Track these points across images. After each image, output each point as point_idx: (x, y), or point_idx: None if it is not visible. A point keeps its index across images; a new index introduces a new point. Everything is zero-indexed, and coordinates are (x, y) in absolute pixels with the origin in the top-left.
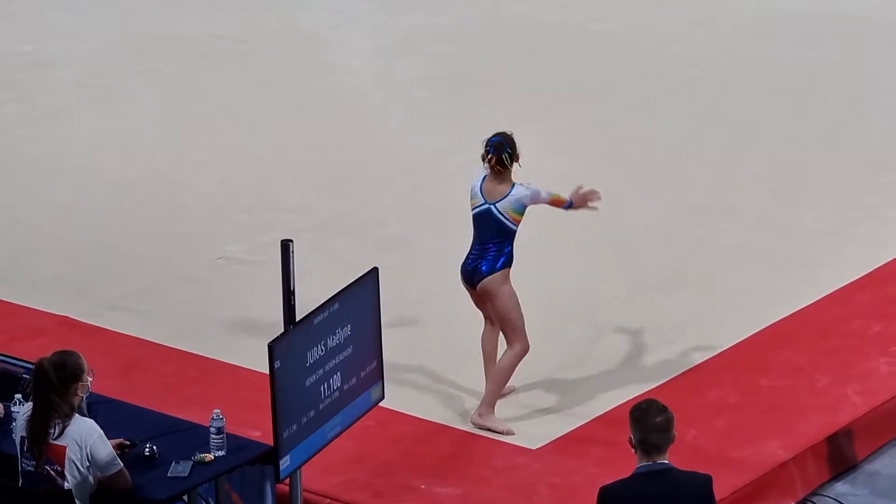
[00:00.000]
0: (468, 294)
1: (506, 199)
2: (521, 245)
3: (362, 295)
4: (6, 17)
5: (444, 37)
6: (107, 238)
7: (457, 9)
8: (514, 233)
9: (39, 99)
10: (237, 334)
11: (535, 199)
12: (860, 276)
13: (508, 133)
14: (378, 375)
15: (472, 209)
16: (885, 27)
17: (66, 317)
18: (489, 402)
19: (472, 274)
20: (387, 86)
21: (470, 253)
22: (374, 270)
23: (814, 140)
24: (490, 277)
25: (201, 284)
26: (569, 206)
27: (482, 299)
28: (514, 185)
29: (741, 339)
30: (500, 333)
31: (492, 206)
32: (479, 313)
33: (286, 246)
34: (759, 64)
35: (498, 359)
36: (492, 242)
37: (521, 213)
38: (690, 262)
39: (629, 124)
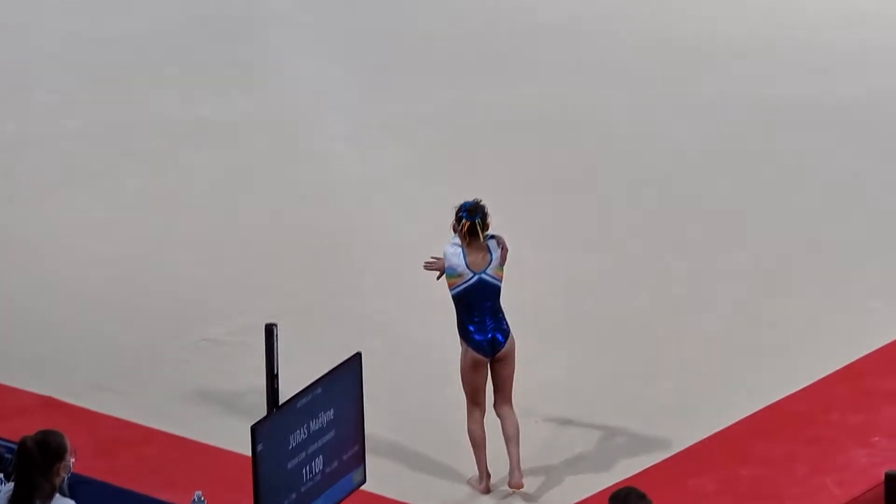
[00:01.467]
0: (477, 367)
1: (490, 265)
2: None
3: (345, 380)
4: None
5: (427, 124)
6: (90, 318)
7: (440, 96)
8: (499, 290)
9: (23, 179)
10: (220, 416)
11: (503, 248)
12: (839, 367)
13: (479, 201)
14: (360, 459)
15: (461, 285)
16: (866, 117)
17: (50, 397)
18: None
19: (495, 344)
20: (371, 171)
21: (483, 326)
22: (358, 356)
23: (794, 231)
24: (510, 340)
25: (184, 366)
26: None
27: (500, 364)
28: (487, 247)
29: (720, 429)
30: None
31: (482, 275)
32: (463, 400)
33: (270, 330)
34: (741, 154)
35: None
36: (498, 307)
37: (502, 268)
38: (670, 352)
39: (610, 214)
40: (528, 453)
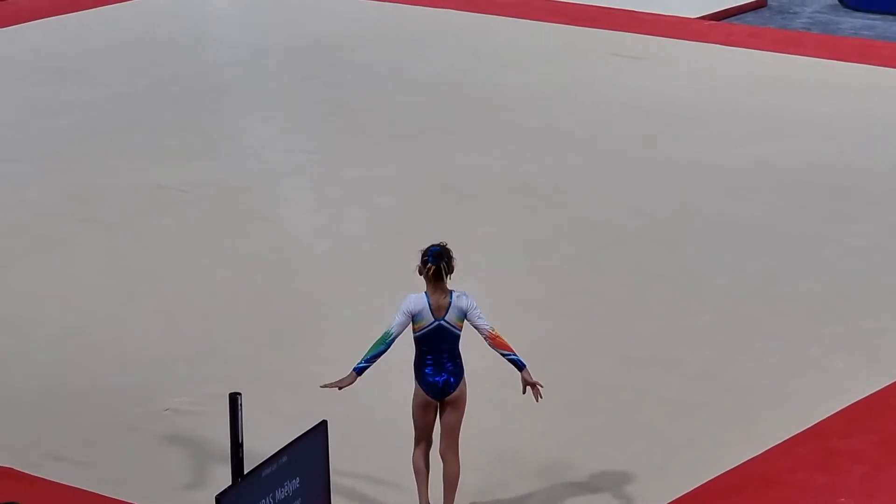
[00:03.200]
0: (426, 408)
1: (449, 313)
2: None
3: (311, 448)
4: None
5: (387, 189)
6: (50, 387)
7: (400, 162)
8: (458, 337)
9: None
10: (184, 486)
11: (471, 307)
12: (804, 428)
13: (444, 245)
14: None
15: (423, 329)
16: (822, 181)
17: (9, 468)
18: None
19: (446, 387)
20: (330, 237)
21: (438, 369)
22: (323, 423)
23: (755, 293)
24: (462, 385)
25: (146, 435)
26: (515, 361)
27: (450, 408)
28: (450, 293)
29: (686, 491)
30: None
31: (441, 322)
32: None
33: (234, 399)
34: (701, 217)
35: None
36: (456, 353)
37: (463, 320)
38: (634, 415)
39: (573, 278)
40: None
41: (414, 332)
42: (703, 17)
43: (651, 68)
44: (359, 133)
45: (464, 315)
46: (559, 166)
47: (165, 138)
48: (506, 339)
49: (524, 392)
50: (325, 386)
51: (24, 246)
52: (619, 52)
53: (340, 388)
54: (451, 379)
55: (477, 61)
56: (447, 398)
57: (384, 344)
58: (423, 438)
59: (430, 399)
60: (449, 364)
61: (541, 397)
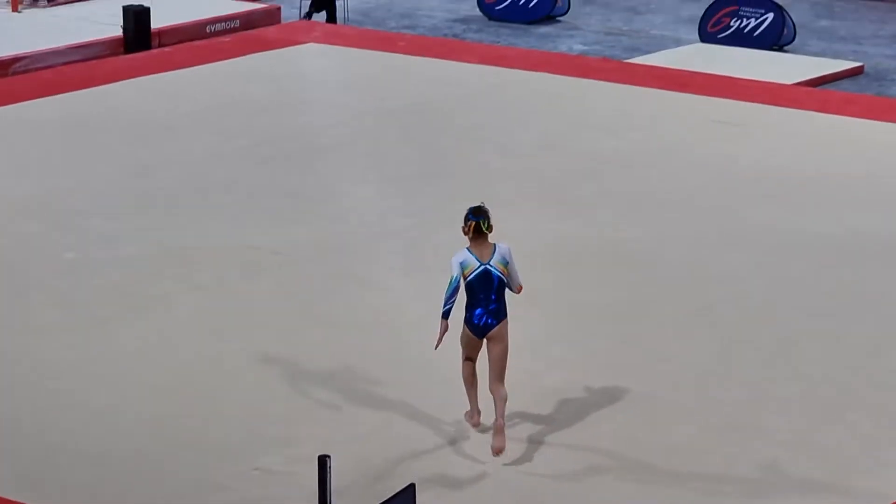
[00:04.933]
0: (471, 343)
1: (494, 258)
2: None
3: None
4: (52, 225)
5: None
6: (141, 444)
7: (497, 226)
8: (506, 284)
9: (79, 305)
10: None
11: (510, 258)
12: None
13: (482, 206)
14: None
15: (472, 273)
16: None
17: None
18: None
19: (485, 327)
20: (424, 301)
21: (481, 311)
22: (411, 487)
23: (850, 362)
24: (502, 325)
25: (235, 495)
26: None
27: (492, 343)
28: (494, 245)
29: None
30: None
31: (487, 266)
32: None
33: (323, 462)
34: (794, 285)
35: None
36: (496, 296)
37: (506, 266)
38: (724, 482)
39: (661, 344)
40: None
41: (464, 277)
42: (799, 84)
43: (746, 135)
44: (455, 198)
45: (506, 261)
46: (653, 232)
47: (260, 199)
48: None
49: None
50: (437, 347)
51: (118, 304)
52: (714, 118)
53: (443, 337)
54: (491, 320)
55: (573, 126)
56: (489, 335)
57: (452, 286)
58: (469, 357)
59: (473, 337)
60: (492, 305)
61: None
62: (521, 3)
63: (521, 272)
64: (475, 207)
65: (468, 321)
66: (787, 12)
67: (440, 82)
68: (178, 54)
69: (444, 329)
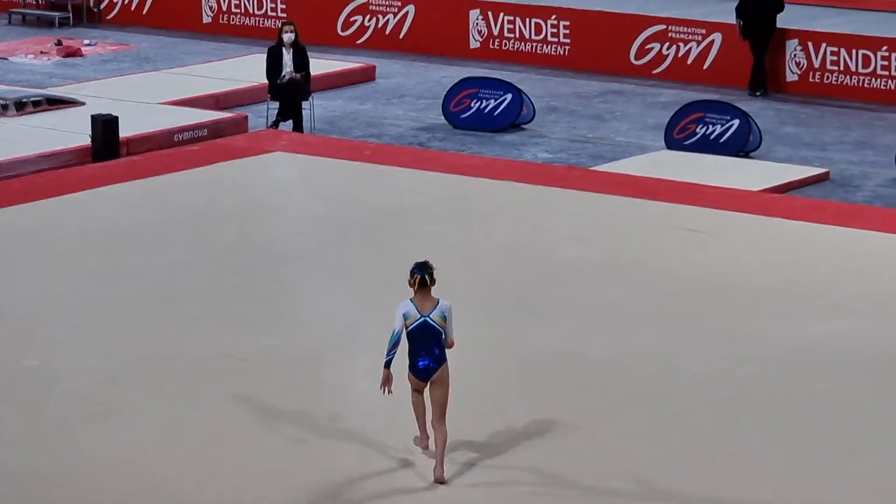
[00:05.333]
0: (417, 388)
1: (434, 312)
2: None
3: None
4: (15, 333)
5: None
6: None
7: (461, 336)
8: (442, 334)
9: (44, 413)
10: None
11: (449, 315)
12: None
13: (427, 262)
14: None
15: (413, 324)
16: (886, 357)
17: None
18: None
19: (427, 371)
20: (391, 408)
21: (421, 358)
22: None
23: (819, 469)
24: (443, 368)
25: None
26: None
27: (434, 386)
28: (437, 300)
29: None
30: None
31: (427, 318)
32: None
33: None
34: (762, 393)
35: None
36: (437, 344)
37: (445, 320)
38: None
39: (629, 453)
40: None
41: (406, 327)
42: (765, 190)
43: (713, 242)
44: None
45: (445, 316)
46: (620, 341)
47: (227, 307)
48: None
49: None
50: (385, 392)
51: (85, 413)
52: (681, 226)
53: (389, 387)
54: (433, 365)
55: (538, 234)
56: (431, 378)
57: (394, 339)
58: (420, 416)
59: (419, 381)
60: (434, 351)
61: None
62: (485, 111)
63: (487, 381)
64: (421, 263)
65: (412, 368)
66: (752, 119)
67: (406, 190)
68: (145, 163)
69: (386, 377)
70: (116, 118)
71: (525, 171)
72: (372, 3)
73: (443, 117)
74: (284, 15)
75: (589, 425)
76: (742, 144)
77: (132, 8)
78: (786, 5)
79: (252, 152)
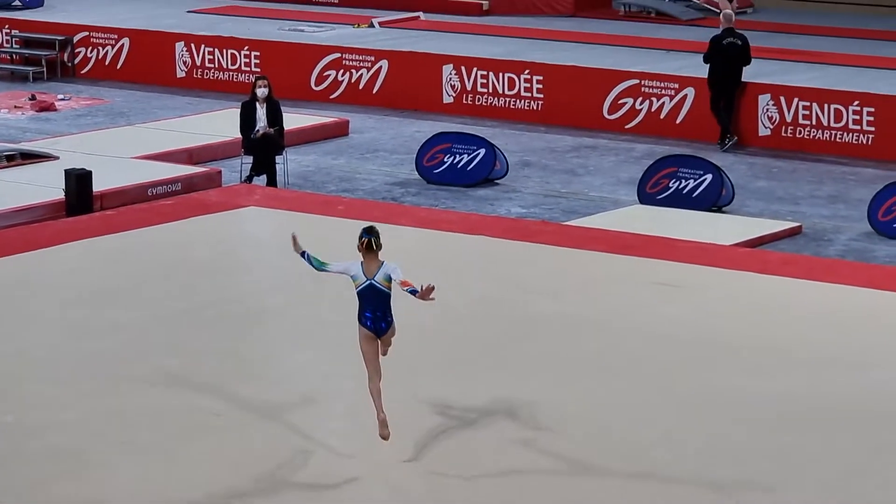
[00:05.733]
0: (369, 340)
1: (378, 274)
2: None
3: None
4: None
5: (418, 418)
6: None
7: (432, 390)
8: (388, 296)
9: (16, 470)
10: None
11: (394, 272)
12: None
13: (374, 227)
14: None
15: (360, 286)
16: (858, 412)
17: None
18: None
19: (378, 331)
20: (366, 464)
21: (370, 319)
22: None
23: None
24: (391, 329)
25: None
26: (412, 292)
27: (383, 342)
28: (382, 262)
29: None
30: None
31: (372, 281)
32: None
33: None
34: (733, 448)
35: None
36: (383, 306)
37: (390, 281)
38: None
39: None
40: None
41: (355, 288)
42: (738, 244)
43: (686, 296)
44: (395, 360)
45: (389, 278)
46: (593, 396)
47: (201, 362)
48: (410, 280)
49: (425, 298)
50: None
51: (59, 468)
52: (654, 280)
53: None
54: (382, 325)
55: (511, 289)
56: (381, 338)
57: (315, 264)
58: (374, 371)
59: (369, 333)
60: (379, 313)
61: (432, 291)
62: (459, 166)
63: (459, 437)
64: (368, 227)
65: (362, 323)
66: (725, 173)
67: None
68: (119, 217)
69: (296, 243)
70: (90, 172)
71: (499, 225)
72: (345, 58)
73: (416, 172)
74: (258, 70)
75: (561, 480)
76: (715, 199)
77: (106, 63)
78: (758, 59)
79: (226, 207)
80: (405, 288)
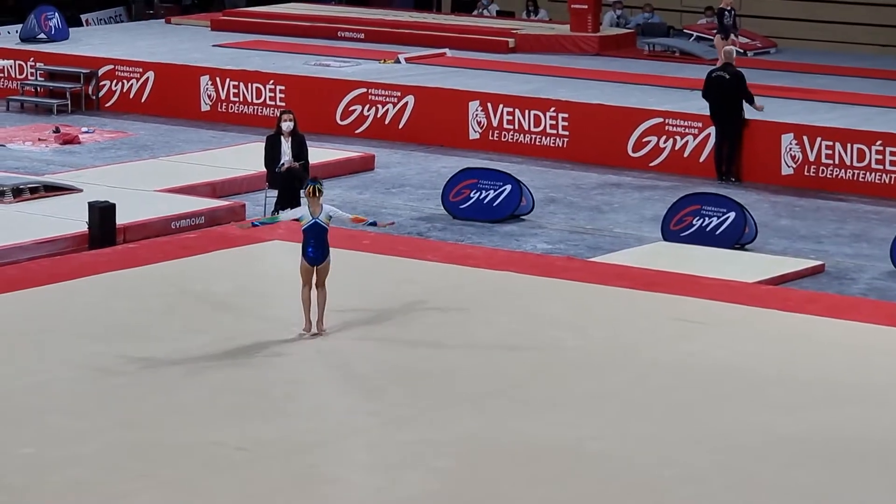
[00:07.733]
0: (306, 269)
1: (321, 215)
2: None
3: None
4: (8, 421)
5: (447, 453)
6: None
7: (457, 425)
8: (326, 231)
9: (36, 501)
10: None
11: (333, 212)
12: None
13: (318, 178)
14: None
15: (306, 225)
16: (880, 450)
17: None
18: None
19: (318, 259)
20: (388, 498)
21: (311, 249)
22: None
23: None
24: (327, 261)
25: None
26: (372, 223)
27: (319, 270)
28: (322, 206)
29: None
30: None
31: (316, 220)
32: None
33: None
34: (757, 485)
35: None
36: (322, 240)
37: (329, 220)
38: None
39: None
40: None
41: (301, 227)
42: (760, 282)
43: (709, 333)
44: (419, 395)
45: (330, 216)
46: (616, 432)
47: (223, 396)
48: (359, 215)
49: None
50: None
51: (79, 502)
52: (678, 317)
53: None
54: (320, 256)
55: (536, 324)
56: (318, 267)
57: (271, 220)
58: (306, 282)
59: (308, 265)
60: (319, 246)
61: (391, 224)
62: (485, 202)
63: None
64: (313, 178)
65: (305, 255)
66: (748, 211)
67: (404, 281)
68: (142, 251)
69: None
70: (114, 205)
71: (524, 261)
72: (371, 93)
73: (442, 207)
74: (283, 104)
75: None
76: (738, 236)
77: (130, 96)
78: (781, 99)
79: (249, 241)
80: (361, 223)
